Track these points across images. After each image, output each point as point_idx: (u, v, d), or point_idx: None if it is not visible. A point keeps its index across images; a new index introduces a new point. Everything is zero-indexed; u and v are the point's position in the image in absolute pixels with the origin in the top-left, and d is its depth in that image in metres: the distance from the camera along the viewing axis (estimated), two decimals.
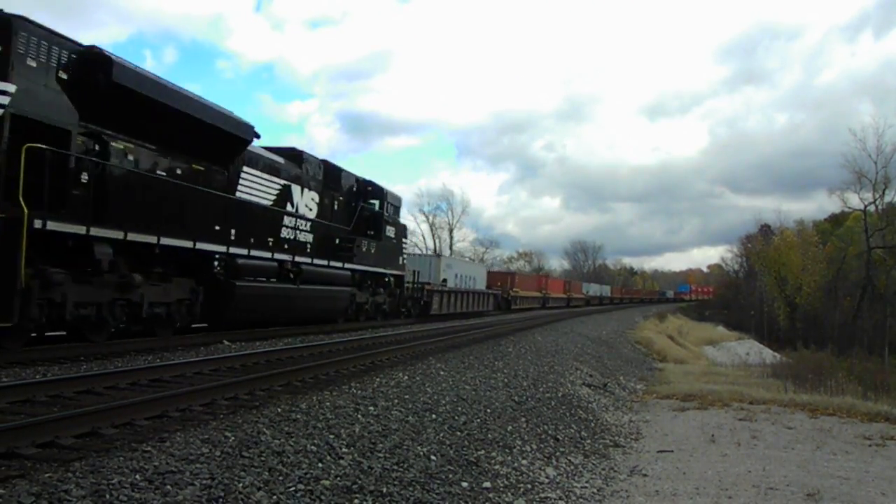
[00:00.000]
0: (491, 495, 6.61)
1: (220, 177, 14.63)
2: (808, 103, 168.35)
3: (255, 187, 16.07)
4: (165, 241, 12.36)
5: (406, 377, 10.63)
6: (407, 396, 9.13)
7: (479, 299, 39.31)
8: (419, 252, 56.04)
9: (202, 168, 13.97)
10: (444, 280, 33.48)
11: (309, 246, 18.39)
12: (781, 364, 32.31)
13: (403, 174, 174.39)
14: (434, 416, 8.49)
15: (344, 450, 6.35)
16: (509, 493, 6.86)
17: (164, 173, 12.84)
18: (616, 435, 11.18)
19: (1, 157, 9.41)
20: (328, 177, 20.36)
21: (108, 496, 4.37)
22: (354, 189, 22.61)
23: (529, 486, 7.33)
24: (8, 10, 9.75)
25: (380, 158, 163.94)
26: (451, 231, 75.80)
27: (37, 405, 6.95)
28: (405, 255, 27.06)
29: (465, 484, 6.62)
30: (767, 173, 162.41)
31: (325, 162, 20.45)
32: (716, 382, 19.61)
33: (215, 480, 4.92)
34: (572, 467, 8.59)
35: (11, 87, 9.50)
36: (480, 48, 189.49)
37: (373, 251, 22.72)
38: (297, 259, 17.58)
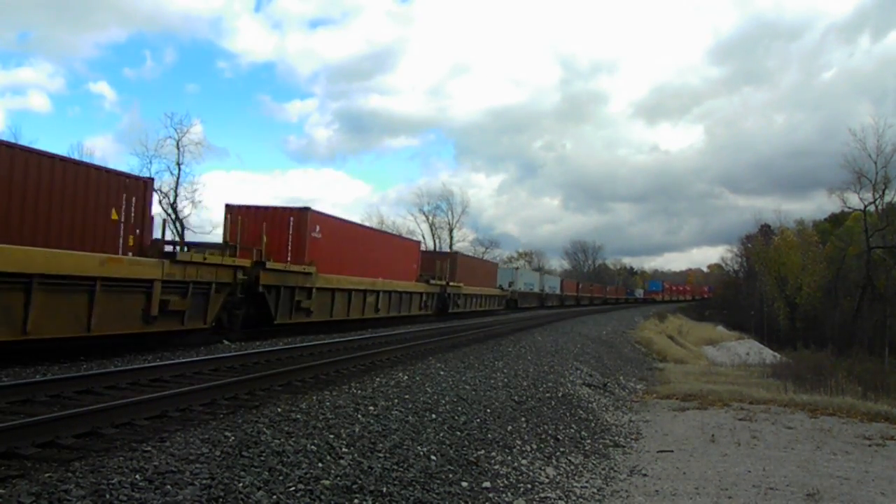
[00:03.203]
0: (491, 495, 6.61)
1: None
2: (807, 103, 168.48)
3: None
4: None
5: (406, 377, 10.63)
6: (407, 396, 9.13)
7: None
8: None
9: None
10: None
11: None
12: (781, 364, 32.26)
13: (403, 174, 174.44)
14: (434, 415, 8.49)
15: (344, 449, 6.35)
16: (509, 493, 6.86)
17: None
18: (616, 435, 11.18)
19: None
20: None
21: (108, 496, 4.37)
22: None
23: (529, 485, 7.33)
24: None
25: (379, 158, 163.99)
26: (450, 231, 75.76)
27: (37, 405, 6.96)
28: None
29: (464, 484, 6.62)
30: (766, 173, 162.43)
31: None
32: (716, 382, 19.61)
33: (215, 480, 4.92)
34: (572, 467, 8.59)
35: None
36: (480, 48, 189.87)
37: None
38: None
